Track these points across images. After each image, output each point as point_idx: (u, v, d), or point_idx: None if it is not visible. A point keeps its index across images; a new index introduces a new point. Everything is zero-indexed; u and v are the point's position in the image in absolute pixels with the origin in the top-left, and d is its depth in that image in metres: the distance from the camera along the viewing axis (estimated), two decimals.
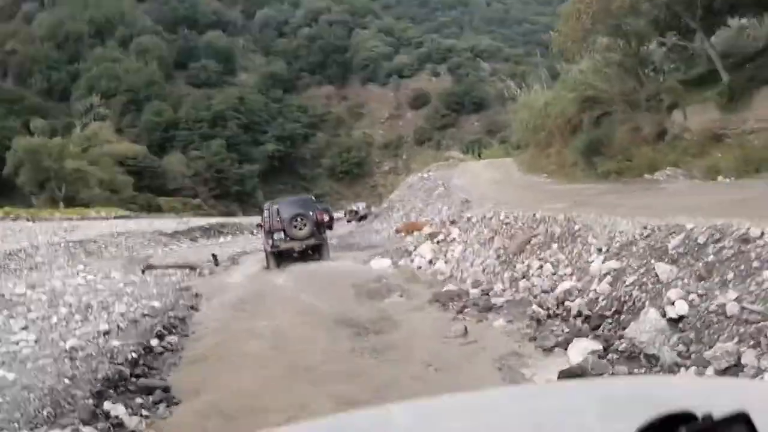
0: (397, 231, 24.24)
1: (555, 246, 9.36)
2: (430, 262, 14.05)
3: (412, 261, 15.15)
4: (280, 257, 18.01)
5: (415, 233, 20.58)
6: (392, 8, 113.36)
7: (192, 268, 19.99)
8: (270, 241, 18.09)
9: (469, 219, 14.97)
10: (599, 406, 1.55)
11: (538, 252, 9.67)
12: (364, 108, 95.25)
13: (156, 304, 11.90)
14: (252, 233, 45.80)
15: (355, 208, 49.85)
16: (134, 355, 7.56)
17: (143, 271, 19.26)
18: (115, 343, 7.79)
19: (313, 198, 21.49)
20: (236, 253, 26.73)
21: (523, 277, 9.22)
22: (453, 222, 16.25)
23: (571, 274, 8.26)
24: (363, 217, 44.15)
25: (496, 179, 30.16)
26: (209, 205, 77.11)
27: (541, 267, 8.93)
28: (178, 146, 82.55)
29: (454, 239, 14.53)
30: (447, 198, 24.92)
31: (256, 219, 56.47)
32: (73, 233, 42.53)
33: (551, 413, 1.54)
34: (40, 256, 36.68)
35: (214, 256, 21.98)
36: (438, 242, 15.24)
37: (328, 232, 19.90)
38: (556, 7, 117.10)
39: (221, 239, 43.74)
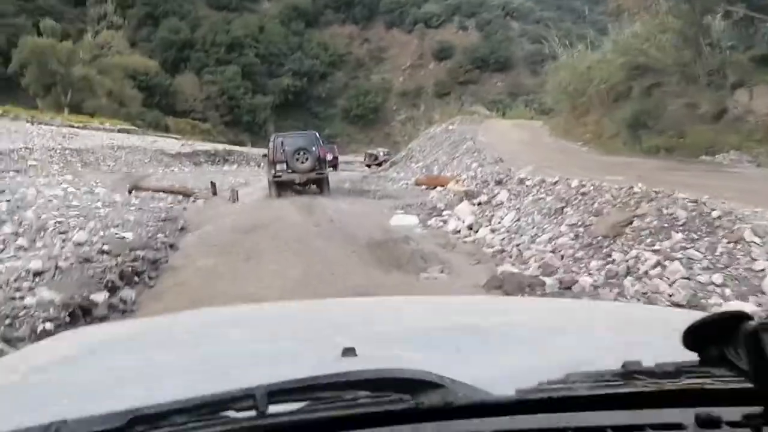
0: (417, 183, 21.50)
1: (679, 236, 6.58)
2: (470, 227, 11.25)
3: (444, 222, 12.38)
4: (282, 187, 18.63)
5: (438, 188, 18.25)
6: None
7: (186, 194, 17.27)
8: (273, 171, 18.67)
9: (522, 181, 12.16)
10: (616, 322, 1.55)
11: (648, 240, 6.88)
12: (386, 53, 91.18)
13: (128, 235, 9.20)
14: (259, 165, 43.07)
15: (374, 152, 46.96)
16: (48, 325, 4.80)
17: (130, 192, 16.53)
18: (31, 300, 5.04)
19: (317, 135, 21.33)
20: (238, 184, 23.97)
21: (629, 274, 6.45)
22: (499, 182, 13.39)
23: (722, 285, 5.53)
24: (380, 163, 41.60)
25: (527, 140, 27.24)
26: (218, 131, 74.09)
27: (660, 264, 6.15)
28: (192, 68, 79.04)
29: (501, 203, 11.73)
30: (476, 154, 22.05)
31: (264, 151, 53.78)
32: (73, 141, 39.75)
33: (568, 323, 1.51)
34: (33, 159, 33.96)
35: (212, 184, 19.20)
36: (479, 204, 12.44)
37: (337, 176, 21.02)
38: None
39: (226, 167, 41.05)
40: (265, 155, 20.77)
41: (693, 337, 0.88)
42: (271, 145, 19.43)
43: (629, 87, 26.89)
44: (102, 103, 61.21)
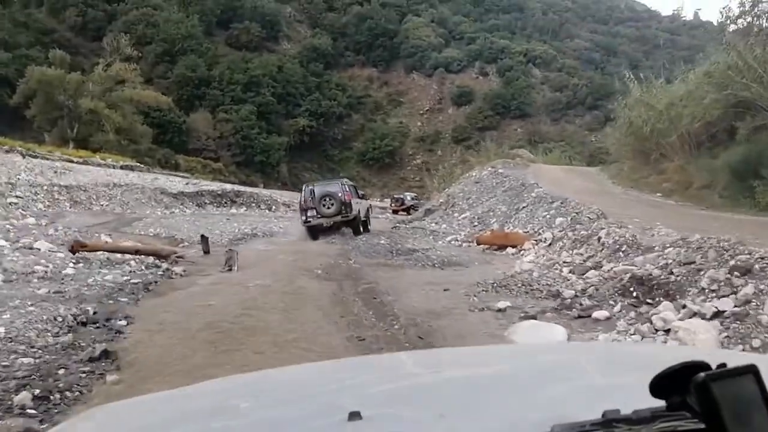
0: (479, 242, 15.53)
1: None
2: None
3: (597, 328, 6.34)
4: (314, 230, 19.50)
5: (510, 250, 14.24)
6: (447, 0, 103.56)
7: (158, 255, 11.34)
8: (304, 217, 19.57)
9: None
10: (603, 365, 1.58)
11: None
12: (405, 97, 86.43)
13: None
14: (270, 208, 37.36)
15: (401, 196, 41.15)
16: None
17: (72, 251, 10.58)
18: None
19: (346, 180, 22.80)
20: (243, 235, 18.10)
21: None
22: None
23: None
24: (408, 209, 35.90)
25: (595, 190, 21.47)
26: (230, 171, 68.91)
27: None
28: (206, 106, 74.26)
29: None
30: (553, 204, 16.16)
31: (277, 192, 48.30)
32: (65, 177, 34.01)
33: (556, 369, 1.54)
34: (14, 196, 28.51)
35: (203, 238, 13.34)
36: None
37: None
38: (612, 27, 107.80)
39: (233, 209, 35.26)
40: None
41: (659, 385, 0.92)
42: (302, 193, 20.42)
43: (730, 127, 20.95)
44: (110, 138, 56.26)
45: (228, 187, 37.71)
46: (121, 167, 44.87)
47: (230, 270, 10.58)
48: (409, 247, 15.24)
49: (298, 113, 77.69)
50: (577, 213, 14.12)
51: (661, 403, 0.93)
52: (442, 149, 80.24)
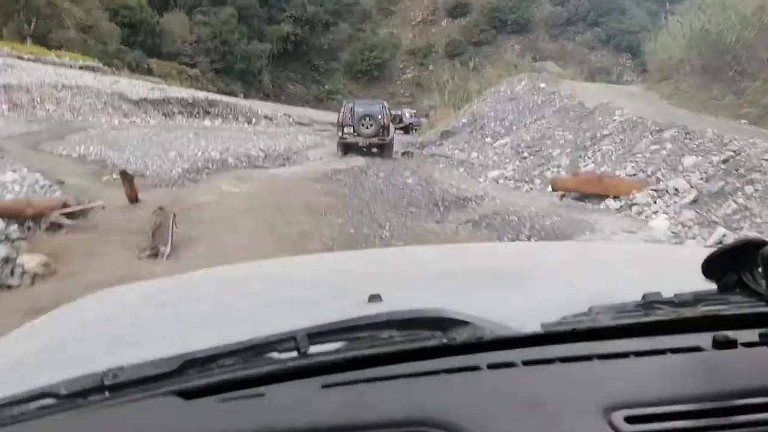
0: (555, 187, 9.96)
1: None
2: None
3: None
4: (347, 147, 18.52)
5: (610, 200, 9.44)
6: None
7: (21, 215, 5.58)
8: (340, 133, 18.86)
9: None
10: (640, 260, 1.50)
11: None
12: (396, 5, 78.30)
13: None
14: (249, 122, 31.19)
15: (398, 112, 34.77)
16: None
17: None
18: None
19: (385, 104, 20.90)
20: (207, 161, 12.35)
21: None
22: None
23: None
24: (406, 128, 30.17)
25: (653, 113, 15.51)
26: (208, 78, 61.86)
27: None
28: (182, 6, 65.71)
29: None
30: (659, 135, 10.54)
31: (258, 104, 41.87)
32: (3, 74, 27.53)
33: (591, 260, 1.48)
34: None
35: (124, 176, 7.49)
36: None
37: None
38: None
39: (206, 122, 29.08)
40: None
41: (712, 266, 0.87)
42: (342, 109, 19.79)
43: None
44: (71, 35, 48.89)
45: (200, 95, 31.33)
46: (80, 68, 38.14)
47: (156, 256, 5.08)
48: (454, 192, 9.64)
49: (281, 18, 69.73)
50: (736, 152, 8.57)
51: (704, 288, 0.88)
52: (434, 64, 73.11)
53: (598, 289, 1.07)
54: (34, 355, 1.17)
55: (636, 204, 8.70)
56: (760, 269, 0.80)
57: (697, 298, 0.88)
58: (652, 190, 8.87)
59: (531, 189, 11.01)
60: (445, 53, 73.46)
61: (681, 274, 0.93)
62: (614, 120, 12.56)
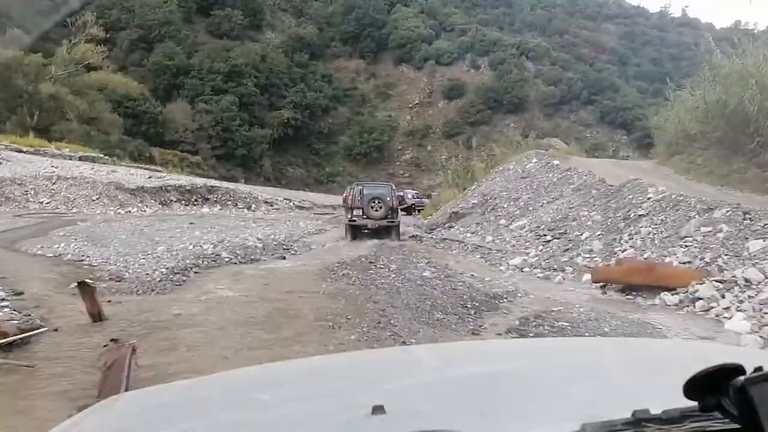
0: (596, 279, 8.44)
1: None
2: None
3: None
4: (356, 230, 18.64)
5: (666, 293, 8.04)
6: None
7: None
8: (349, 216, 18.84)
9: None
10: (629, 362, 1.51)
11: None
12: (393, 89, 79.23)
13: None
14: (249, 207, 30.10)
15: (400, 193, 33.84)
16: None
17: None
18: None
19: (393, 186, 21.06)
20: (197, 257, 10.90)
21: None
22: None
23: None
24: (409, 209, 29.13)
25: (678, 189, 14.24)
26: (209, 165, 61.52)
27: None
28: (185, 96, 66.36)
29: None
30: (709, 216, 9.14)
31: (258, 189, 41.02)
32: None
33: (581, 366, 1.49)
34: None
35: (83, 288, 5.98)
36: None
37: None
38: (600, 24, 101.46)
39: (205, 209, 27.92)
40: (344, 203, 20.56)
41: (692, 388, 0.89)
42: (349, 191, 19.84)
43: None
44: (73, 127, 48.72)
45: (199, 181, 30.35)
46: (80, 158, 37.47)
47: None
48: (480, 288, 8.17)
49: (282, 105, 70.29)
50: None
51: (689, 403, 0.90)
52: (432, 144, 73.32)
53: (589, 402, 1.09)
54: None
55: (700, 299, 7.26)
56: (731, 395, 0.82)
57: (684, 415, 0.89)
58: (715, 281, 7.46)
59: (563, 279, 9.57)
60: (443, 133, 73.80)
61: (667, 375, 0.95)
62: (648, 198, 11.26)
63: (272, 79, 71.05)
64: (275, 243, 14.02)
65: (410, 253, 12.46)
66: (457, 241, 14.77)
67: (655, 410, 0.92)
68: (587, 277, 9.21)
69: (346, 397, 1.31)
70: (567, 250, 10.91)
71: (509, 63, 76.77)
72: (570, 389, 1.26)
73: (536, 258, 11.20)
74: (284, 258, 11.84)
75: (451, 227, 17.51)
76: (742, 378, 0.82)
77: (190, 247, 11.93)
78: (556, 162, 18.17)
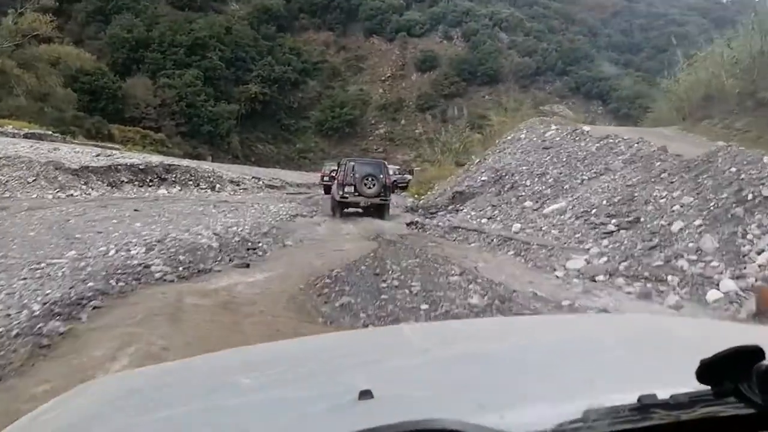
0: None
1: None
2: None
3: None
4: (346, 207, 17.86)
5: None
6: None
7: None
8: (340, 192, 17.71)
9: None
10: (631, 341, 1.44)
11: None
12: (365, 62, 74.76)
13: None
14: (212, 188, 26.00)
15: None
16: None
17: None
18: None
19: (386, 163, 20.25)
20: (120, 269, 6.77)
21: None
22: None
23: None
24: (389, 188, 25.41)
25: None
26: (174, 142, 56.64)
27: None
28: (145, 71, 61.02)
29: None
30: None
31: (224, 167, 36.74)
32: None
33: (580, 344, 1.42)
34: None
35: None
36: None
37: None
38: None
39: (161, 190, 23.71)
40: (329, 176, 20.08)
41: (706, 372, 0.83)
42: (341, 167, 18.79)
43: None
44: (22, 103, 43.75)
45: (155, 159, 26.02)
46: (25, 136, 32.77)
47: None
48: None
49: (249, 79, 65.53)
50: None
51: (698, 385, 0.85)
52: (406, 118, 69.38)
53: (591, 382, 1.04)
54: None
55: None
56: (755, 380, 0.77)
57: (693, 400, 0.83)
58: None
59: (680, 301, 5.97)
60: (417, 107, 69.94)
61: (672, 355, 0.88)
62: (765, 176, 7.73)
63: (238, 52, 66.12)
64: (237, 239, 10.13)
65: (425, 254, 8.76)
66: (474, 230, 11.14)
67: (661, 391, 0.85)
68: (723, 290, 5.64)
69: (332, 380, 1.23)
70: (654, 248, 7.38)
71: (482, 34, 72.84)
72: (570, 369, 1.17)
73: (605, 260, 7.63)
74: (247, 266, 8.04)
75: (457, 211, 13.85)
76: (766, 362, 0.75)
77: (112, 252, 8.05)
78: (586, 128, 14.61)
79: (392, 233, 12.31)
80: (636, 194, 9.31)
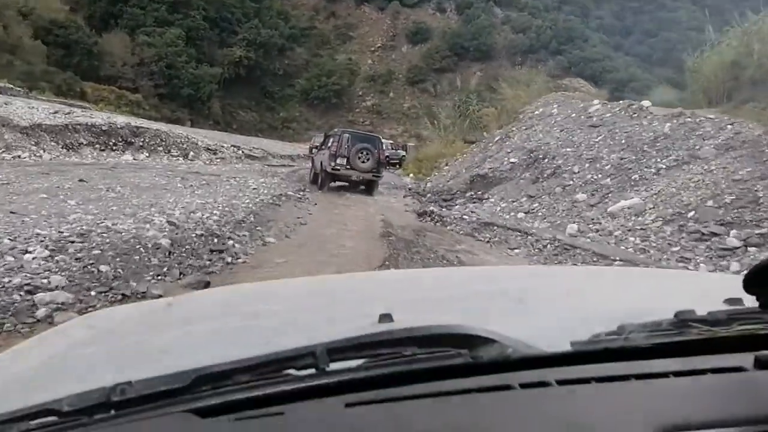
0: None
1: None
2: None
3: None
4: (334, 179, 16.85)
5: None
6: None
7: None
8: (332, 163, 16.49)
9: None
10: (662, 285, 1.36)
11: None
12: (354, 31, 70.89)
13: None
14: (185, 156, 22.82)
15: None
16: None
17: None
18: None
19: (381, 138, 19.33)
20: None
21: None
22: None
23: None
24: (383, 164, 22.76)
25: None
26: (151, 104, 52.87)
27: None
28: (124, 26, 56.59)
29: None
30: None
31: (201, 132, 33.35)
32: None
33: (614, 280, 1.36)
34: None
35: None
36: None
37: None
38: None
39: (126, 156, 20.47)
40: (315, 147, 19.00)
41: (754, 281, 0.79)
42: (334, 138, 17.22)
43: None
44: None
45: (120, 120, 22.51)
46: None
47: None
48: None
49: (233, 42, 61.43)
50: None
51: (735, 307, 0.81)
52: (395, 91, 66.01)
53: (627, 308, 0.96)
54: (30, 372, 1.02)
55: None
56: None
57: (731, 317, 0.80)
58: None
59: None
60: (406, 80, 66.59)
61: (712, 296, 0.87)
62: None
63: (223, 12, 61.88)
64: (199, 232, 7.10)
65: (459, 265, 5.92)
66: (515, 229, 8.28)
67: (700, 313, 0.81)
68: None
69: (353, 308, 1.21)
70: None
71: (477, 8, 69.36)
72: (605, 299, 1.11)
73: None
74: (207, 285, 5.12)
75: (481, 199, 10.96)
76: None
77: (34, 228, 5.11)
78: (646, 103, 11.75)
79: (403, 226, 9.41)
80: (761, 194, 6.53)
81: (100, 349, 1.12)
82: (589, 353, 0.77)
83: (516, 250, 7.57)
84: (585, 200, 8.94)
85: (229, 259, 6.34)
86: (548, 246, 7.30)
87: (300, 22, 68.43)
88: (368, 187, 16.96)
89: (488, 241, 8.16)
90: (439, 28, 68.80)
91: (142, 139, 21.96)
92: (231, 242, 7.10)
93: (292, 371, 0.72)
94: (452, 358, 0.74)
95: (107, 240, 6.20)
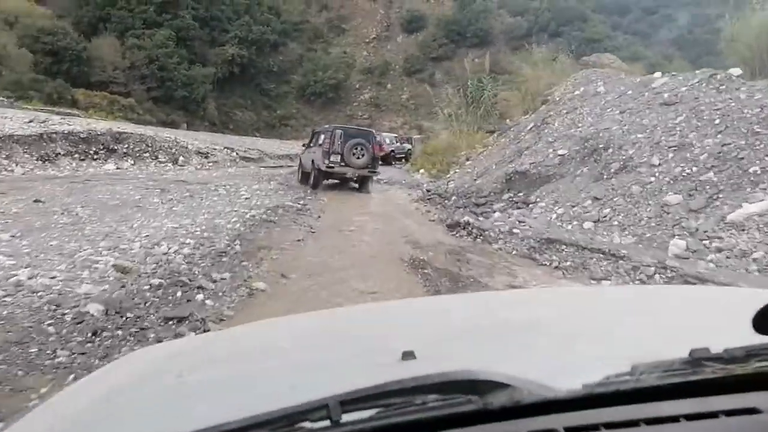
0: None
1: None
2: None
3: None
4: (328, 177, 16.20)
5: None
6: None
7: None
8: (326, 161, 15.71)
9: None
10: (680, 306, 1.32)
11: None
12: (348, 23, 68.18)
13: None
14: (174, 162, 20.47)
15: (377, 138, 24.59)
16: None
17: None
18: None
19: (375, 133, 18.58)
20: None
21: None
22: None
23: None
24: (386, 157, 20.84)
25: None
26: (145, 108, 50.47)
27: None
28: (112, 30, 54.04)
29: None
30: None
31: (191, 135, 31.05)
32: None
33: (628, 309, 1.32)
34: None
35: None
36: None
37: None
38: None
39: (109, 165, 18.12)
40: (307, 145, 17.95)
41: (764, 320, 0.76)
42: (326, 135, 16.31)
43: None
44: None
45: (102, 127, 20.17)
46: None
47: None
48: None
49: (225, 40, 58.90)
50: None
51: (755, 340, 0.77)
52: (392, 82, 63.43)
53: (640, 344, 0.96)
54: (76, 416, 1.01)
55: None
56: None
57: (749, 354, 0.76)
58: None
59: None
60: (403, 70, 63.97)
61: (731, 320, 0.82)
62: None
63: (213, 10, 59.28)
64: (156, 282, 4.85)
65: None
66: (594, 250, 5.99)
67: (713, 347, 0.78)
68: None
69: (375, 344, 1.19)
70: None
71: None
72: (618, 331, 1.09)
73: None
74: None
75: (526, 203, 8.64)
76: None
77: None
78: (735, 71, 9.42)
79: (434, 245, 7.12)
80: None
81: (126, 401, 1.08)
82: (600, 396, 0.74)
83: (605, 282, 5.33)
84: (680, 203, 6.62)
85: (193, 335, 4.04)
86: (655, 276, 5.06)
87: (292, 16, 65.76)
88: (362, 184, 16.29)
89: (557, 267, 5.92)
90: (434, 15, 66.10)
91: (125, 146, 19.64)
92: (201, 296, 4.79)
93: (306, 424, 0.70)
94: (463, 406, 0.73)
95: (5, 310, 3.87)
